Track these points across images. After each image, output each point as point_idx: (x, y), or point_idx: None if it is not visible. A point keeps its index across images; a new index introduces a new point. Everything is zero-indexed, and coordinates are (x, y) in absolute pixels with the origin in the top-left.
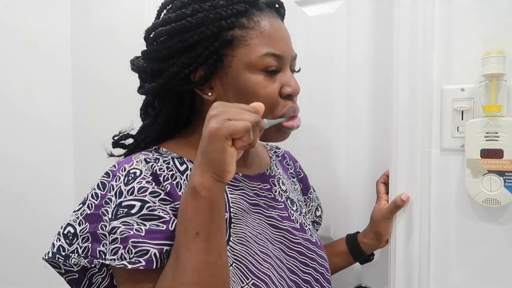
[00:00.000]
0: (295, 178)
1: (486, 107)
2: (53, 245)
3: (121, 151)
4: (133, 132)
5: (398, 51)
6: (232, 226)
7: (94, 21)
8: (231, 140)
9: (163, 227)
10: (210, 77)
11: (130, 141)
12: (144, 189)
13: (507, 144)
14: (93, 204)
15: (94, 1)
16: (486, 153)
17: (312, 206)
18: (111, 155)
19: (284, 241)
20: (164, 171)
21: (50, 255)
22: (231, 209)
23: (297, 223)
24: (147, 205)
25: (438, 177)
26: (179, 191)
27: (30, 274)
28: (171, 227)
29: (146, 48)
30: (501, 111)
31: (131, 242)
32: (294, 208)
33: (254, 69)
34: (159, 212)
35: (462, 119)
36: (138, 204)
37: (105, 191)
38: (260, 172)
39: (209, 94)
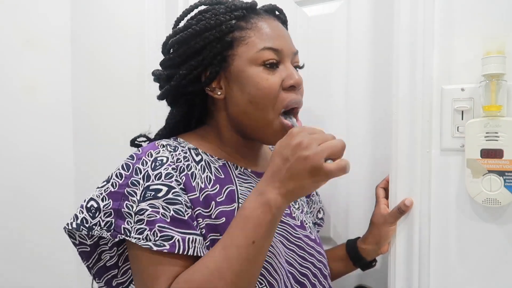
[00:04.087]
0: None
1: (486, 107)
2: (76, 216)
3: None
4: (150, 136)
5: (398, 51)
6: None
7: (94, 21)
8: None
9: (184, 215)
10: (215, 76)
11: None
12: (170, 175)
13: (507, 144)
14: (117, 183)
15: (94, 0)
16: (486, 153)
17: (314, 208)
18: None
19: (285, 234)
20: (181, 161)
21: (74, 225)
22: (240, 200)
23: (298, 220)
24: (173, 190)
25: (438, 177)
26: (193, 180)
27: (29, 268)
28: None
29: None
30: (501, 111)
31: (158, 226)
32: (296, 206)
33: (254, 63)
34: (181, 199)
35: (462, 119)
36: (165, 188)
37: (129, 172)
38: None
39: (219, 93)
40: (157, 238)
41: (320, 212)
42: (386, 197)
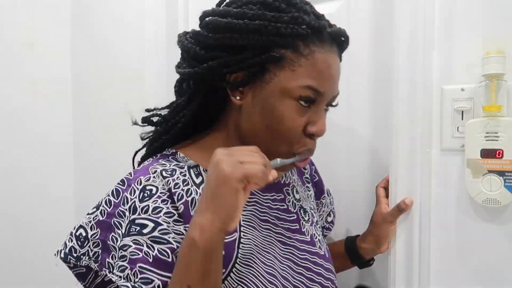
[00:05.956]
0: (310, 183)
1: (486, 107)
2: (66, 244)
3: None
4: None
5: (398, 51)
6: (240, 247)
7: (94, 22)
8: (244, 184)
9: (169, 257)
10: (246, 84)
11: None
12: (159, 209)
13: (507, 144)
14: (105, 211)
15: (94, 2)
16: (486, 153)
17: (323, 211)
18: (135, 123)
19: (292, 257)
20: (179, 187)
21: (62, 255)
22: (242, 228)
23: (308, 235)
24: (160, 227)
25: (438, 177)
26: (192, 208)
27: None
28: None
29: (197, 29)
30: (501, 111)
31: (139, 266)
32: (306, 218)
33: (289, 95)
34: (169, 237)
35: (462, 119)
36: (151, 224)
37: (118, 200)
38: (275, 182)
39: (237, 97)
40: (136, 280)
41: (330, 215)
42: (387, 196)
